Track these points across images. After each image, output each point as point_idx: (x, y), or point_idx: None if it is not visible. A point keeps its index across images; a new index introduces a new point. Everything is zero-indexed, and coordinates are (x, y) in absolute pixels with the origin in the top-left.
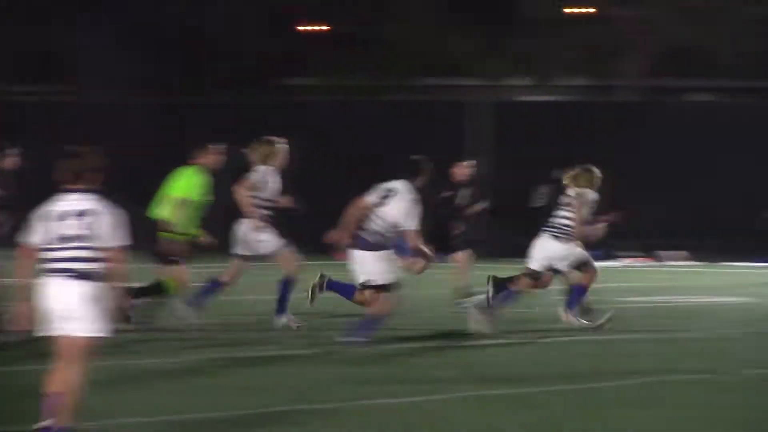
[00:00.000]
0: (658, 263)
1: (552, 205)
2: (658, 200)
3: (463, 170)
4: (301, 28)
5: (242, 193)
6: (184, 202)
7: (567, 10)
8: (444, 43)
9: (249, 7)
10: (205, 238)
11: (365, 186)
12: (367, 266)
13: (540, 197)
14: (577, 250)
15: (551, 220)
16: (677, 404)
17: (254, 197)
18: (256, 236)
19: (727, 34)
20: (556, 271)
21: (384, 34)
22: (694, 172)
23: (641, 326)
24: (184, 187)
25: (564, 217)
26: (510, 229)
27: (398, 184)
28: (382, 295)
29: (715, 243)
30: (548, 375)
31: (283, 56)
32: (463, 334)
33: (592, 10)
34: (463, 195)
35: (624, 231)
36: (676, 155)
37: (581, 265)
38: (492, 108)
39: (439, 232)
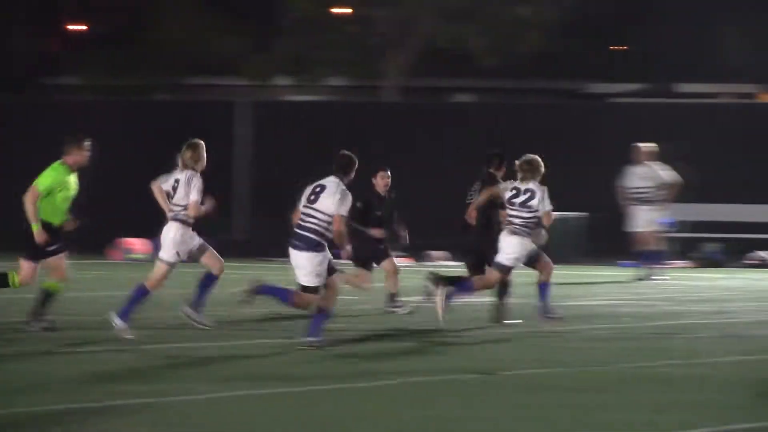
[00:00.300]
0: (420, 263)
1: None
2: (420, 201)
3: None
4: (70, 27)
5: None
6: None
7: (334, 10)
8: (212, 43)
9: (16, 5)
10: (71, 222)
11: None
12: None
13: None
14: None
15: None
16: (448, 403)
17: None
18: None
19: (488, 35)
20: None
21: (150, 33)
22: (450, 173)
23: (412, 325)
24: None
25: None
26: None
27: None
28: (323, 290)
29: None
30: (318, 375)
31: (49, 55)
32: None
33: (349, 10)
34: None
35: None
36: (441, 155)
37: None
38: (256, 108)
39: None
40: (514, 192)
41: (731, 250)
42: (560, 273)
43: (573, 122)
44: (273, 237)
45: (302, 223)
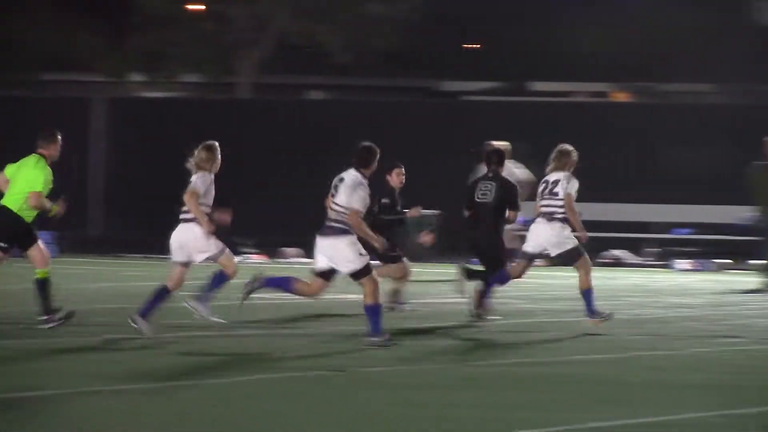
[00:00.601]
0: (275, 260)
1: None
2: (274, 197)
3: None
4: None
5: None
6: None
7: (188, 7)
8: (66, 40)
9: None
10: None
11: None
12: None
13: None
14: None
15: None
16: (284, 400)
17: None
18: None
19: (342, 32)
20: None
21: (3, 29)
22: (304, 171)
23: (272, 321)
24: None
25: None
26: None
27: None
28: (366, 279)
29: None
30: (147, 373)
31: None
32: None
33: (203, 7)
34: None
35: (245, 227)
36: (295, 152)
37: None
38: (111, 104)
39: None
40: (543, 185)
41: (585, 248)
42: (415, 271)
43: (426, 120)
44: (128, 233)
45: (329, 217)
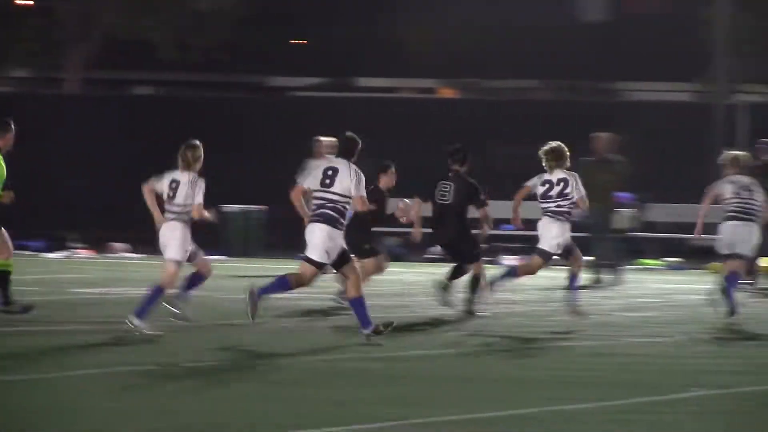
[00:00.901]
0: (103, 255)
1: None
2: (102, 193)
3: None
4: None
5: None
6: None
7: (17, 2)
8: None
9: None
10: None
11: None
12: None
13: None
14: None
15: None
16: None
17: None
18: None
19: (169, 28)
20: None
21: None
22: (135, 165)
23: (94, 318)
24: None
25: None
26: None
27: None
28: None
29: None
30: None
31: None
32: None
33: (31, 2)
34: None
35: (70, 221)
36: (124, 147)
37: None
38: None
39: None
40: (547, 186)
41: (412, 244)
42: (241, 266)
43: (254, 115)
44: None
45: (319, 208)
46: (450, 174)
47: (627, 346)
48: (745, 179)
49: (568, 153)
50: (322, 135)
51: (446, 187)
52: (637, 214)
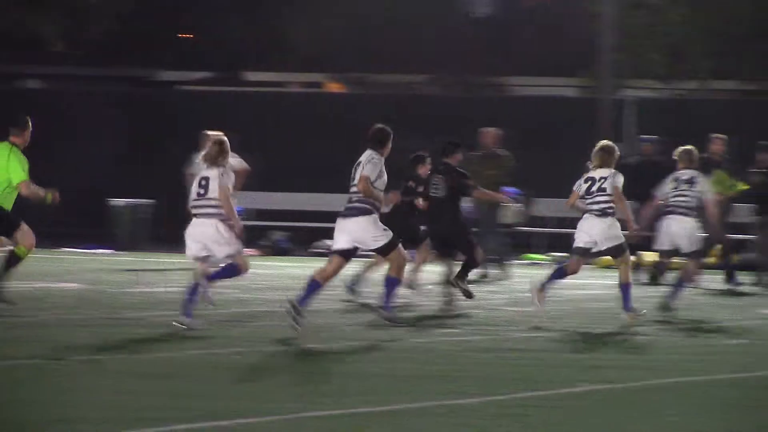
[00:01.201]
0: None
1: None
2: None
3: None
4: None
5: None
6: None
7: None
8: None
9: None
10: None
11: None
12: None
13: None
14: None
15: None
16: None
17: None
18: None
19: (57, 21)
20: None
21: None
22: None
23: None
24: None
25: None
26: None
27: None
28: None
29: (53, 230)
30: None
31: None
32: None
33: None
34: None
35: None
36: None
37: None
38: None
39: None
40: (589, 183)
41: (298, 238)
42: (130, 260)
43: (142, 109)
44: None
45: (350, 202)
46: (441, 167)
47: (514, 341)
48: (688, 173)
49: (617, 154)
50: (210, 129)
51: (437, 181)
52: (523, 209)
